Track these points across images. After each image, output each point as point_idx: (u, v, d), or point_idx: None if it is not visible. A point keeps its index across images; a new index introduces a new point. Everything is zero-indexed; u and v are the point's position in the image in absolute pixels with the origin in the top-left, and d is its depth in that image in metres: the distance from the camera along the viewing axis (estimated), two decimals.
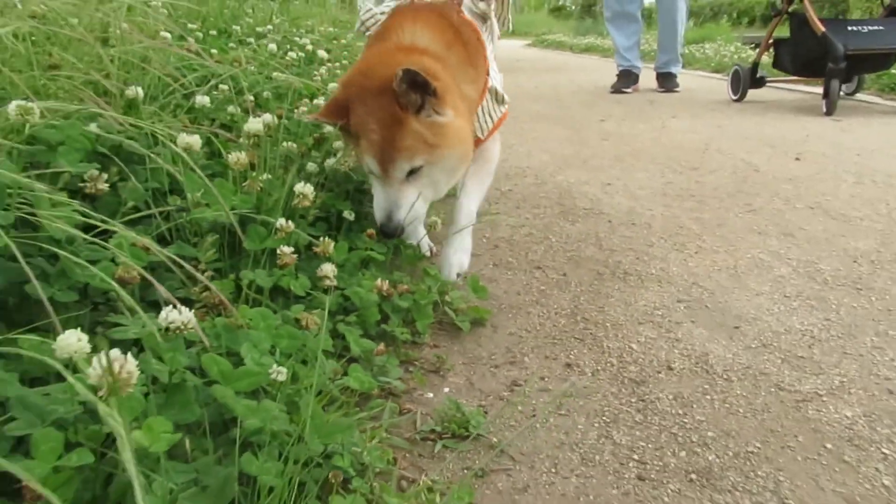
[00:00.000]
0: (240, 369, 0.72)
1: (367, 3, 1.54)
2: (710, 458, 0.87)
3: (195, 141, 1.08)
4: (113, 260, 0.88)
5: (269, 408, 0.67)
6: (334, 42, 3.99)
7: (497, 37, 1.69)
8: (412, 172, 1.18)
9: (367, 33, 1.46)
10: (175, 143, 1.07)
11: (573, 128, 3.48)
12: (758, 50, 4.73)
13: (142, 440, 0.57)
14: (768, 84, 4.65)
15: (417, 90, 1.13)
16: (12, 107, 0.89)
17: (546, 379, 1.07)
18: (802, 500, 0.79)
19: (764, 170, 2.48)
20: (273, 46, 2.60)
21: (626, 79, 5.19)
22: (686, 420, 0.95)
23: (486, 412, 0.96)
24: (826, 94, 3.83)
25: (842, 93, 4.52)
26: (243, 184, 1.14)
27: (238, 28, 3.12)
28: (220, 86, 1.68)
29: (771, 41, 4.49)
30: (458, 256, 1.36)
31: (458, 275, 1.34)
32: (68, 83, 1.24)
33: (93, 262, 0.85)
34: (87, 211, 0.90)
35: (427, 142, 1.16)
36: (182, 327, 0.67)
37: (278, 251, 0.96)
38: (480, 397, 1.01)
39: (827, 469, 0.85)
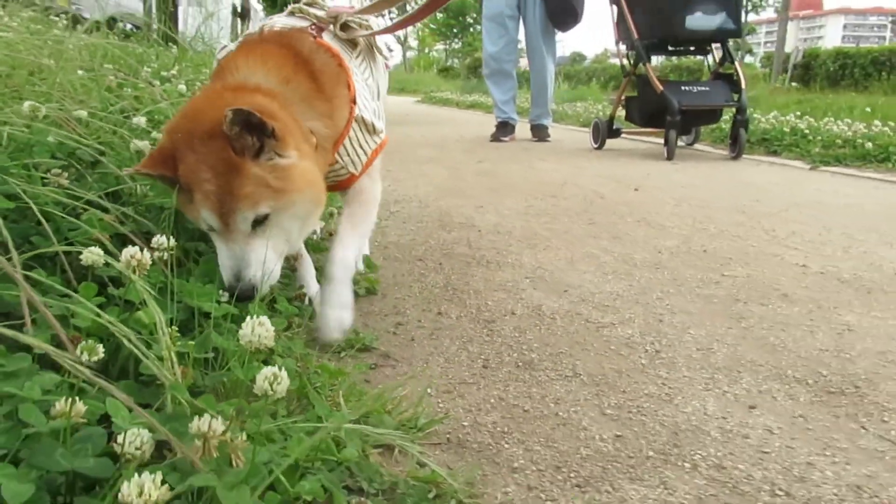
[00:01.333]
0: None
1: (225, 41, 1.58)
2: (532, 356, 1.26)
3: (145, 145, 1.39)
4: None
5: None
6: None
7: (382, 66, 1.61)
8: (257, 223, 1.03)
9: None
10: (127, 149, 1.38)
11: (454, 167, 3.95)
12: (613, 104, 5.48)
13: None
14: (623, 135, 5.37)
15: (253, 132, 1.01)
16: None
17: (421, 321, 1.44)
18: (589, 373, 1.19)
19: (608, 197, 3.01)
20: (182, 87, 2.89)
21: (504, 129, 5.79)
22: (520, 338, 1.35)
23: (377, 337, 1.32)
24: (666, 143, 4.53)
25: (682, 143, 5.31)
26: None
27: (146, 71, 3.38)
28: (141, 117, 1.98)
29: (623, 98, 5.23)
30: (338, 313, 1.23)
31: (341, 333, 1.24)
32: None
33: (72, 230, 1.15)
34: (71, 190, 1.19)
35: (270, 186, 1.03)
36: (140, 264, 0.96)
37: None
38: (373, 334, 1.36)
39: (608, 358, 1.26)
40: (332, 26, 1.40)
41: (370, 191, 1.41)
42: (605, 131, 5.19)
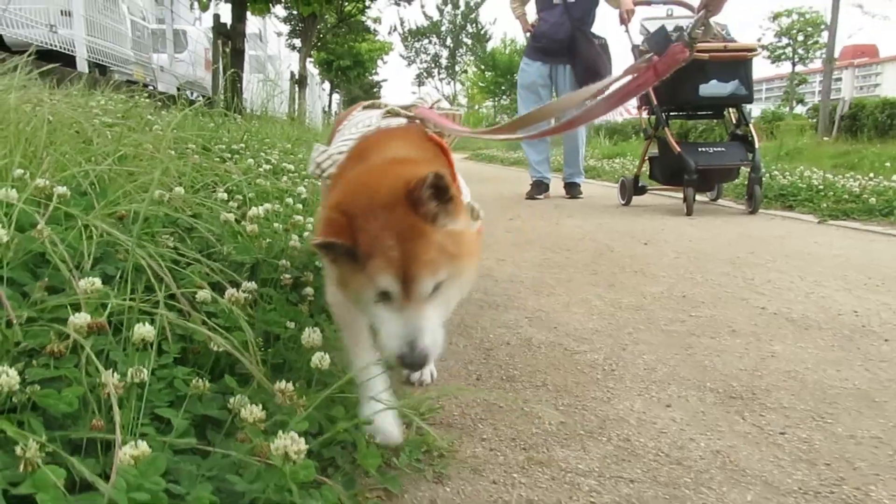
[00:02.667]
0: None
1: (321, 146, 1.41)
2: (515, 372, 1.68)
3: (230, 216, 1.90)
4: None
5: None
6: (291, 156, 4.89)
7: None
8: (432, 290, 1.02)
9: (324, 175, 1.33)
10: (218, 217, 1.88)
11: (486, 224, 4.38)
12: (638, 164, 5.90)
13: None
14: (651, 192, 5.76)
15: (438, 197, 1.02)
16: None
17: None
18: (555, 384, 1.60)
19: (617, 250, 3.42)
20: (251, 160, 3.46)
21: (538, 188, 6.26)
22: (509, 361, 1.77)
23: None
24: (685, 199, 4.91)
25: (706, 199, 5.68)
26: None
27: (219, 147, 3.98)
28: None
29: (647, 158, 5.65)
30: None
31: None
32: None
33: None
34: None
35: (448, 252, 1.03)
36: (236, 300, 1.44)
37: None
38: None
39: (572, 374, 1.66)
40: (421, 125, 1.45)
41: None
42: (631, 189, 5.61)
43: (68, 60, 6.98)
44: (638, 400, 1.50)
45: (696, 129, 14.50)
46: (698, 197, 5.35)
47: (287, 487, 0.85)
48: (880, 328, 2.02)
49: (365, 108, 1.57)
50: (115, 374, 0.93)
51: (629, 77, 1.25)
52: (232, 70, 7.83)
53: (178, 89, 10.81)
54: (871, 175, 5.67)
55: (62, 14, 7.65)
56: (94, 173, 1.86)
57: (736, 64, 5.02)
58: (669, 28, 5.36)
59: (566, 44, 5.91)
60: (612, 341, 1.92)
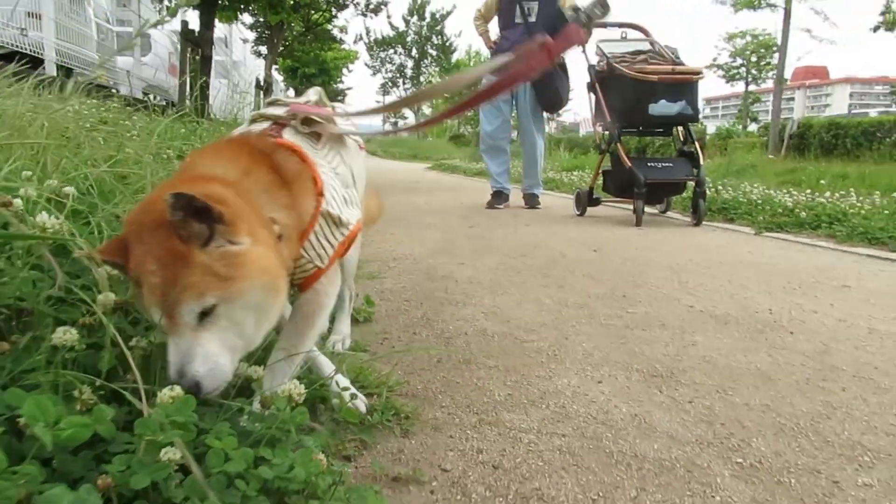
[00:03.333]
0: None
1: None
2: (471, 356, 1.92)
3: None
4: None
5: None
6: None
7: (355, 149, 1.65)
8: (204, 315, 0.99)
9: None
10: None
11: (448, 231, 4.66)
12: (592, 176, 6.23)
13: None
14: (604, 203, 6.09)
15: (201, 219, 0.98)
16: None
17: (400, 338, 2.11)
18: (505, 365, 1.85)
19: (569, 256, 3.70)
20: None
21: (498, 198, 6.54)
22: (466, 348, 2.01)
23: (368, 344, 1.99)
24: (634, 211, 5.24)
25: (655, 211, 6.03)
26: None
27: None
28: None
29: (600, 171, 5.98)
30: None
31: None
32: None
33: None
34: None
35: (218, 275, 0.99)
36: None
37: None
38: (365, 342, 2.02)
39: (521, 358, 1.91)
40: (293, 123, 1.42)
41: (321, 296, 1.34)
42: (585, 200, 5.93)
43: (34, 62, 7.03)
44: (574, 377, 1.76)
45: (654, 144, 15.07)
46: (648, 209, 5.69)
47: (287, 428, 1.08)
48: (788, 323, 2.33)
49: (250, 120, 1.53)
50: (143, 338, 1.14)
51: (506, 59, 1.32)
52: (202, 78, 7.95)
53: (144, 94, 10.85)
54: (809, 191, 6.09)
55: (29, 16, 7.71)
56: (92, 176, 2.05)
57: (683, 86, 5.38)
58: (624, 50, 5.70)
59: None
60: (557, 332, 2.18)
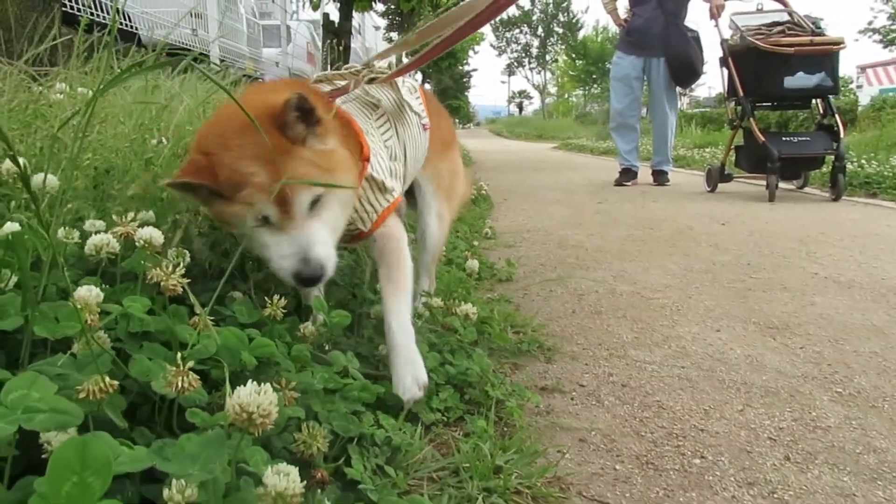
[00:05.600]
0: None
1: None
2: (601, 310, 2.19)
3: None
4: None
5: None
6: None
7: (417, 127, 1.58)
8: (313, 206, 1.05)
9: None
10: None
11: (575, 207, 4.90)
12: (724, 152, 6.19)
13: None
14: (736, 179, 6.05)
15: (302, 119, 1.05)
16: None
17: (539, 293, 2.41)
18: (632, 316, 2.11)
19: (695, 229, 3.84)
20: None
21: (627, 175, 6.65)
22: (597, 304, 2.28)
23: (511, 297, 2.31)
24: (767, 186, 5.20)
25: (793, 187, 5.91)
26: None
27: None
28: None
29: (732, 147, 5.94)
30: (413, 372, 1.21)
31: (422, 389, 1.20)
32: None
33: None
34: None
35: (322, 168, 1.05)
36: None
37: None
38: (508, 296, 2.34)
39: (645, 311, 2.17)
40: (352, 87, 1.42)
41: (393, 235, 1.37)
42: (716, 176, 5.93)
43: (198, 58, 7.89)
44: (695, 327, 1.99)
45: (797, 118, 14.27)
46: (785, 185, 5.60)
47: (462, 340, 1.42)
48: None
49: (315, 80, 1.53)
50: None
51: None
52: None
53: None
54: None
55: (195, 16, 8.63)
56: None
57: (821, 57, 5.24)
58: (760, 22, 5.58)
59: (660, 38, 6.25)
60: (681, 292, 2.41)
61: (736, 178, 5.99)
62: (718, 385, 1.54)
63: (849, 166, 5.76)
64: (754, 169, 5.59)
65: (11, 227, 0.92)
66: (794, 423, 1.34)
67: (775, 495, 1.08)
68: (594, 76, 44.42)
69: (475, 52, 35.45)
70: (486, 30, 43.64)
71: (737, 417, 1.37)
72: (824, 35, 5.45)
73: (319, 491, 0.77)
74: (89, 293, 0.83)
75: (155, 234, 0.94)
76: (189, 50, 7.74)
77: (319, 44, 14.89)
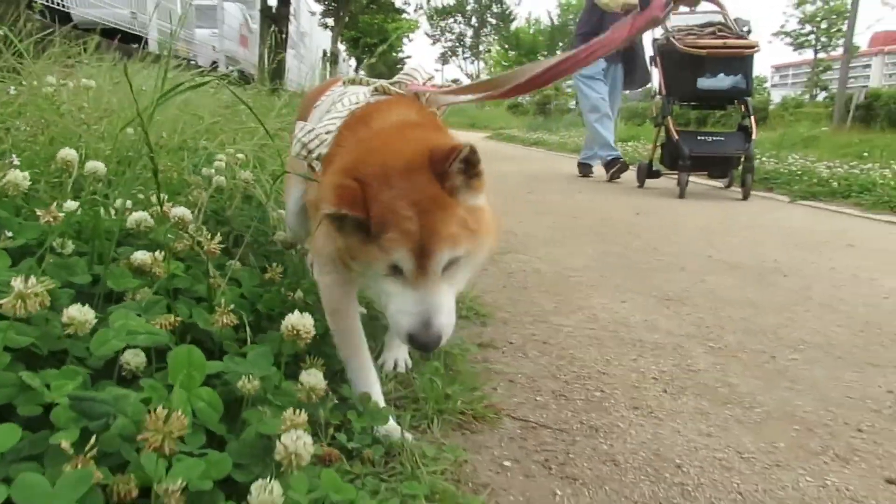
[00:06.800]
0: None
1: (305, 124, 1.27)
2: (528, 285, 2.55)
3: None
4: None
5: None
6: None
7: None
8: (448, 266, 0.98)
9: (312, 155, 1.20)
10: None
11: (507, 196, 5.27)
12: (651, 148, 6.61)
13: None
14: (666, 175, 6.08)
15: (466, 171, 1.00)
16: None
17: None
18: (547, 290, 2.47)
19: (614, 219, 4.27)
20: None
21: (615, 164, 6.65)
22: (524, 279, 2.64)
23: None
24: (678, 183, 5.53)
25: (721, 185, 6.20)
26: None
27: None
28: None
29: (658, 144, 6.17)
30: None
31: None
32: None
33: None
34: None
35: (469, 228, 0.99)
36: None
37: None
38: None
39: (562, 283, 2.54)
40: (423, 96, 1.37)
41: None
42: (644, 172, 6.23)
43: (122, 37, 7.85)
44: (605, 299, 2.37)
45: (715, 115, 15.06)
46: (713, 183, 5.98)
47: None
48: (787, 270, 2.88)
49: (346, 83, 1.43)
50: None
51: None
52: (280, 54, 8.68)
53: (213, 63, 11.63)
54: (852, 162, 6.42)
55: None
56: (248, 147, 2.74)
57: (736, 59, 5.52)
58: (694, 22, 5.82)
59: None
60: (596, 272, 2.79)
61: (665, 175, 6.11)
62: (619, 342, 1.91)
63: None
64: (672, 166, 5.85)
65: (72, 205, 1.18)
66: (674, 368, 1.72)
67: (652, 414, 1.44)
68: None
69: (409, 40, 35.61)
70: (421, 18, 43.79)
71: (630, 364, 1.74)
72: (746, 38, 5.65)
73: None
74: (146, 256, 1.11)
75: (185, 213, 1.21)
76: (127, 32, 7.68)
77: (254, 26, 14.80)
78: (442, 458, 1.14)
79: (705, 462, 1.25)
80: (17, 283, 0.76)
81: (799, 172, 5.96)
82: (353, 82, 1.42)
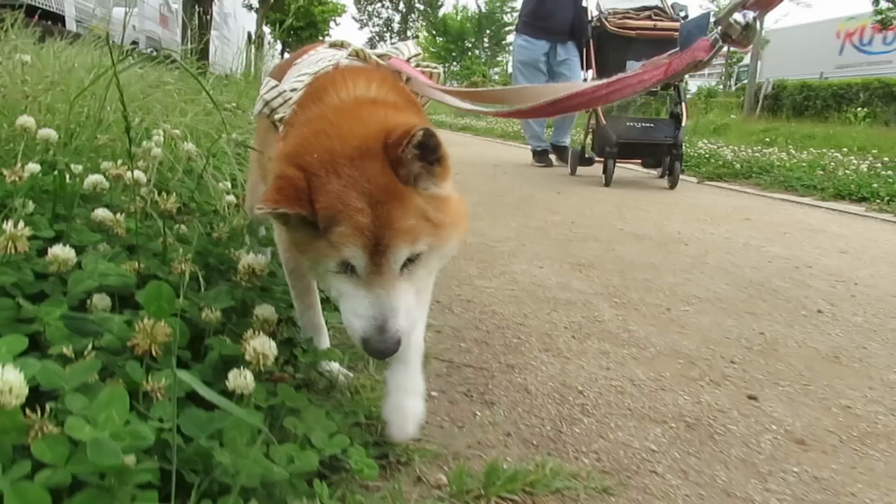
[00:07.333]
0: None
1: (271, 81, 1.18)
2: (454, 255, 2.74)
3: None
4: None
5: None
6: None
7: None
8: (407, 263, 0.89)
9: (274, 116, 1.12)
10: None
11: None
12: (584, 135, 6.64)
13: None
14: (598, 162, 5.70)
15: (424, 157, 0.88)
16: None
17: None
18: (478, 259, 2.67)
19: (536, 196, 4.51)
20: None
21: (544, 155, 6.88)
22: None
23: None
24: (604, 171, 5.33)
25: (656, 174, 6.07)
26: None
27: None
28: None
29: (590, 130, 6.04)
30: (414, 403, 1.09)
31: (416, 428, 1.08)
32: None
33: None
34: None
35: (430, 220, 0.88)
36: None
37: None
38: None
39: (486, 252, 2.74)
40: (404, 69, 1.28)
41: None
42: (576, 158, 6.05)
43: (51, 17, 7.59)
44: (525, 265, 2.59)
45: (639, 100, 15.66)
46: (650, 171, 5.85)
47: None
48: (688, 239, 3.17)
49: (331, 45, 1.33)
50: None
51: (638, 70, 1.07)
52: (205, 36, 8.54)
53: (134, 42, 11.29)
54: (754, 147, 6.92)
55: None
56: (183, 124, 2.81)
57: (666, 42, 5.42)
58: (629, 5, 5.89)
59: (570, 22, 6.34)
60: (517, 242, 3.01)
61: (598, 162, 5.77)
62: (536, 300, 2.12)
63: None
64: (600, 153, 5.58)
65: (33, 167, 1.28)
66: (582, 319, 1.94)
67: (561, 354, 1.66)
68: (453, 53, 45.47)
69: (336, 24, 35.18)
70: (348, 2, 43.28)
71: (545, 317, 1.95)
72: (674, 22, 5.48)
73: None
74: (106, 212, 1.23)
75: (141, 176, 1.33)
76: (39, 7, 7.42)
77: (174, 6, 14.39)
78: (377, 388, 1.31)
79: (603, 388, 1.47)
80: (8, 226, 0.88)
81: (707, 156, 6.39)
82: (336, 46, 1.31)
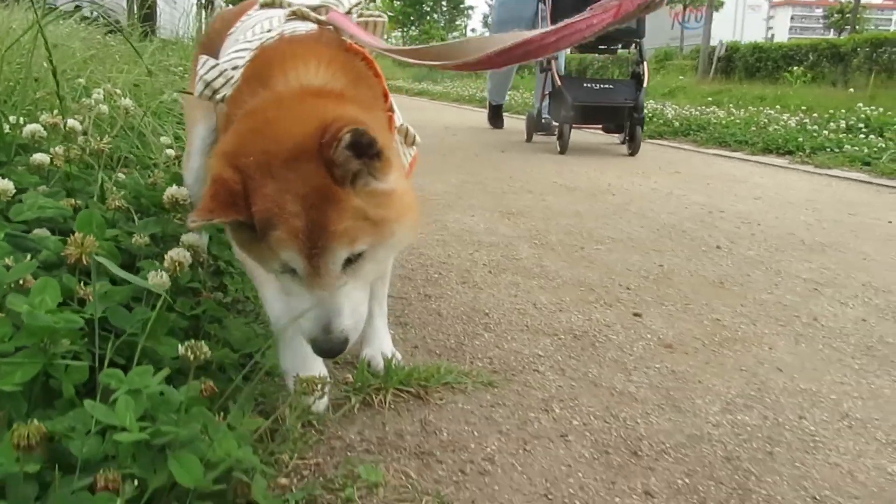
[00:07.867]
0: None
1: (209, 60, 1.04)
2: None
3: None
4: None
5: None
6: None
7: None
8: (349, 262, 0.87)
9: (216, 97, 1.02)
10: None
11: None
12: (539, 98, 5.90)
13: None
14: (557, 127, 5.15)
15: (359, 154, 0.84)
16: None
17: None
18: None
19: (481, 155, 4.67)
20: None
21: (498, 113, 6.83)
22: None
23: None
24: (559, 136, 4.93)
25: (618, 140, 5.53)
26: None
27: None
28: None
29: (546, 93, 5.41)
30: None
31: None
32: None
33: None
34: None
35: (369, 218, 0.85)
36: None
37: None
38: None
39: (427, 206, 2.89)
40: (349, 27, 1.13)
41: None
42: (532, 123, 5.74)
43: None
44: (459, 215, 2.75)
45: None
46: (612, 138, 5.53)
47: None
48: (616, 191, 3.37)
49: (262, 5, 1.23)
50: None
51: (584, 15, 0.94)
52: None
53: (77, 6, 11.03)
54: (694, 107, 7.16)
55: None
56: (125, 83, 2.88)
57: None
58: None
59: None
60: (455, 195, 3.17)
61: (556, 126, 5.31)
62: (462, 243, 2.30)
63: None
64: (555, 117, 5.21)
65: None
66: (501, 258, 2.12)
67: (476, 286, 1.83)
68: (412, 17, 44.97)
69: None
70: None
71: (467, 256, 2.13)
72: None
73: None
74: (44, 157, 1.35)
75: (76, 124, 1.44)
76: None
77: None
78: None
79: (507, 311, 1.65)
80: None
81: (650, 115, 6.60)
82: (269, 5, 1.21)
